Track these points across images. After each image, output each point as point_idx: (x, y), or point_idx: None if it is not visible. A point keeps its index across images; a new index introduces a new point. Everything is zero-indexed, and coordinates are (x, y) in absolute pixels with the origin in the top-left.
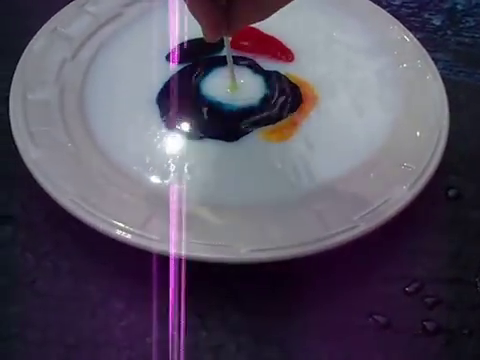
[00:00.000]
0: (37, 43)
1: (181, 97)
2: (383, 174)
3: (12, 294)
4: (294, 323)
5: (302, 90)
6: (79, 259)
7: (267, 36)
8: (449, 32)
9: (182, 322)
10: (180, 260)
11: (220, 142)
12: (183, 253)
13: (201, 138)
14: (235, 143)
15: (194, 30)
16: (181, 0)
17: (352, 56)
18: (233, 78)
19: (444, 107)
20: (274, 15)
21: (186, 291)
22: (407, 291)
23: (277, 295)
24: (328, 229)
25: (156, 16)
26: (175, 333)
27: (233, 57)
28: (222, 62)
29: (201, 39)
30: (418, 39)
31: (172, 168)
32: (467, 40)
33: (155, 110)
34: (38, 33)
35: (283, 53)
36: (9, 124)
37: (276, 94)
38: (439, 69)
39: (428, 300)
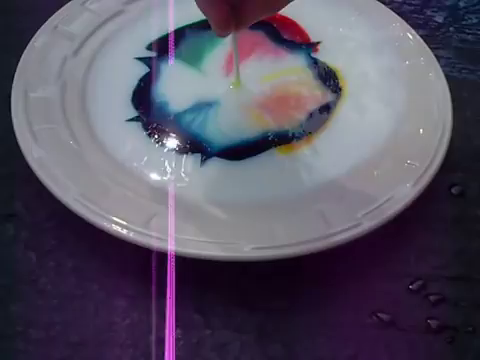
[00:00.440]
0: (38, 41)
1: None
2: (387, 171)
3: (15, 293)
4: (298, 321)
5: None
6: (82, 257)
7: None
8: (451, 29)
9: (186, 320)
10: (183, 258)
11: None
12: (186, 251)
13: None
14: None
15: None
16: None
17: (355, 53)
18: (237, 74)
19: (447, 104)
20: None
21: (190, 289)
22: (411, 289)
23: (281, 293)
24: (332, 227)
25: (157, 13)
26: (179, 331)
27: None
28: None
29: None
30: (421, 36)
31: (175, 166)
32: (470, 37)
33: None
34: (39, 31)
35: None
36: (11, 122)
37: None
38: (442, 66)
39: (432, 298)
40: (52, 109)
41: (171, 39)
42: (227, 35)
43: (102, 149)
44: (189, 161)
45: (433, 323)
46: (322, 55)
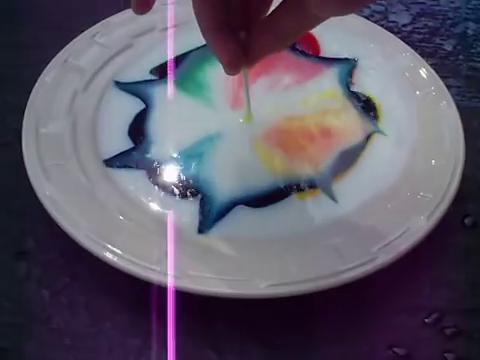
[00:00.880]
0: (48, 75)
1: None
2: (400, 205)
3: (28, 332)
4: (314, 357)
5: None
6: (95, 295)
7: None
8: (461, 57)
9: (201, 358)
10: (198, 296)
11: None
12: (200, 289)
13: None
14: None
15: None
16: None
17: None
18: (249, 109)
19: (459, 134)
20: None
21: (204, 327)
22: (426, 322)
23: (296, 328)
24: (346, 262)
25: (166, 47)
26: None
27: None
28: None
29: None
30: (430, 65)
31: (188, 202)
32: (479, 65)
33: None
34: (49, 65)
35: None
36: (21, 157)
37: None
38: (452, 95)
39: (447, 331)
40: (63, 145)
41: (174, 68)
42: (236, 73)
43: (114, 185)
44: (202, 197)
45: (450, 357)
46: None
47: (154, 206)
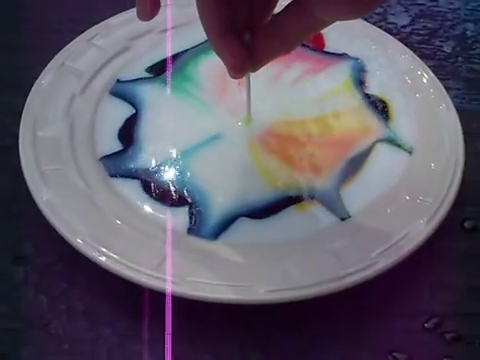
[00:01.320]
0: (45, 78)
1: None
2: (400, 209)
3: (26, 337)
4: None
5: None
6: (93, 300)
7: None
8: (460, 59)
9: None
10: (197, 301)
11: None
12: (199, 295)
13: None
14: None
15: None
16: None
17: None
18: (249, 112)
19: (458, 137)
20: None
21: (203, 332)
22: (426, 327)
23: (296, 334)
24: (346, 267)
25: (164, 49)
26: None
27: None
28: None
29: None
30: (429, 67)
31: (187, 207)
32: (478, 67)
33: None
34: (46, 68)
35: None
36: (19, 161)
37: None
38: (451, 97)
39: (447, 336)
40: (60, 149)
41: (171, 69)
42: (242, 77)
43: (112, 190)
44: (202, 202)
45: None
46: None
47: (153, 212)
